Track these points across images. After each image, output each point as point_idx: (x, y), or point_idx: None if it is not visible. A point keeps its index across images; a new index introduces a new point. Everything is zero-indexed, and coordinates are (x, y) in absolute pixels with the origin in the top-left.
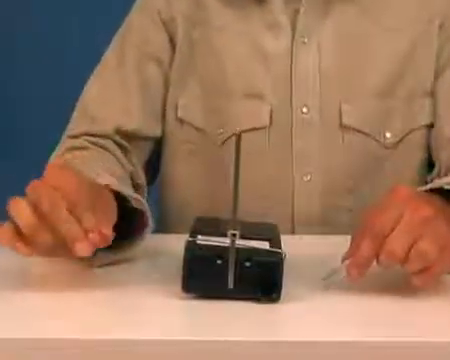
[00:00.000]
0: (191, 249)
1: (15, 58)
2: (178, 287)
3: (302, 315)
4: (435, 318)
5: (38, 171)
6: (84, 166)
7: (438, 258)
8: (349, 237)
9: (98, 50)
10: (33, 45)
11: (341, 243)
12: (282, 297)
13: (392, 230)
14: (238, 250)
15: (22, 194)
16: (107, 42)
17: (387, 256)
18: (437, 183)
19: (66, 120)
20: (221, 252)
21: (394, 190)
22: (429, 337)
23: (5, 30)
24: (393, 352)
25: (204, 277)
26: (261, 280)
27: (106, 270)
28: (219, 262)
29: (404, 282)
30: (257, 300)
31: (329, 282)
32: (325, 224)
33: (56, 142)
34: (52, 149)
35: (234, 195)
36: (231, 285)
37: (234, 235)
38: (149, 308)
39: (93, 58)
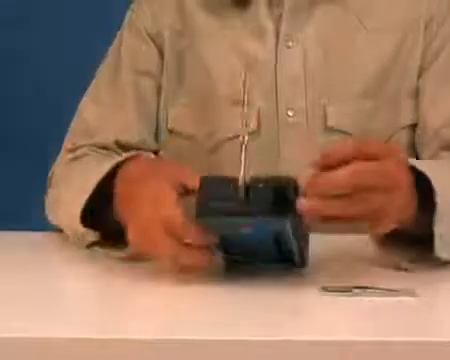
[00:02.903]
0: (205, 177)
1: (15, 58)
2: (180, 287)
3: (301, 314)
4: (433, 316)
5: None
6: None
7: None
8: (342, 237)
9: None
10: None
11: (334, 242)
12: (281, 296)
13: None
14: (251, 178)
15: (23, 193)
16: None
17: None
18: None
19: (66, 120)
20: (234, 181)
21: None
22: (431, 337)
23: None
24: (396, 351)
25: (217, 199)
26: (274, 198)
27: (104, 268)
28: (232, 186)
29: (407, 282)
30: (267, 219)
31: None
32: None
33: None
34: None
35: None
36: (242, 194)
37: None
38: (150, 307)
39: (92, 58)
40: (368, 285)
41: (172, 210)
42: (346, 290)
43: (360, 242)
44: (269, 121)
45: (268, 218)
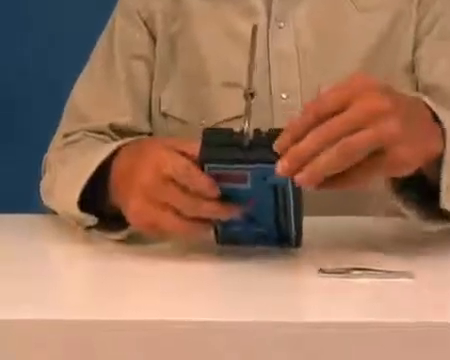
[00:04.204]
0: (208, 128)
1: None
2: (177, 269)
3: (300, 296)
4: (431, 298)
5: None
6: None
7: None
8: (339, 218)
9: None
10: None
11: (332, 224)
12: (279, 278)
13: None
14: (254, 130)
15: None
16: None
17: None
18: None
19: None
20: (237, 133)
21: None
22: (428, 318)
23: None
24: (394, 333)
25: (221, 146)
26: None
27: (102, 250)
28: (235, 136)
29: (405, 263)
30: (270, 167)
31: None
32: (311, 207)
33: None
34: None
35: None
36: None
37: (251, 94)
38: (147, 288)
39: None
40: (366, 267)
41: (175, 160)
42: (344, 272)
43: (357, 224)
44: (262, 103)
45: (271, 165)
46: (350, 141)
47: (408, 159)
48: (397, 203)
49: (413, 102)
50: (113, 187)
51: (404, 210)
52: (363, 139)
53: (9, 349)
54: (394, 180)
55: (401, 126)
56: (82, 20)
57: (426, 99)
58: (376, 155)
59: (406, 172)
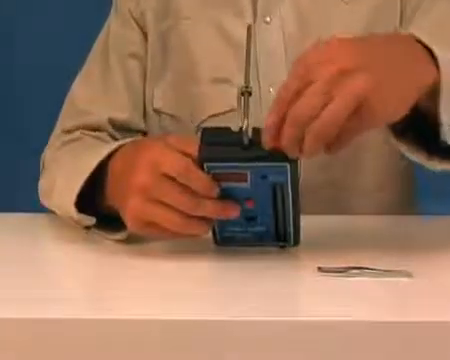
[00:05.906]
0: (207, 127)
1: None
2: (175, 268)
3: (298, 295)
4: (429, 297)
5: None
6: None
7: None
8: (334, 217)
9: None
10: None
11: (330, 223)
12: (277, 277)
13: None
14: (252, 129)
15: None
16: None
17: (289, 124)
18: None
19: (50, 104)
20: (236, 132)
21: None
22: (426, 317)
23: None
24: (392, 332)
25: (220, 145)
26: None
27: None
28: (234, 135)
29: (403, 262)
30: (269, 165)
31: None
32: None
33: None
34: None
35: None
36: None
37: (249, 92)
38: (144, 287)
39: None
40: (364, 266)
41: (174, 159)
42: (343, 271)
43: (356, 223)
44: (251, 98)
45: (270, 164)
46: (321, 123)
47: (387, 108)
48: (400, 148)
49: (394, 43)
50: (109, 190)
51: (408, 154)
52: (333, 112)
53: (9, 348)
54: (393, 125)
55: (371, 79)
56: (82, 20)
57: (415, 32)
58: (355, 114)
59: (390, 120)
